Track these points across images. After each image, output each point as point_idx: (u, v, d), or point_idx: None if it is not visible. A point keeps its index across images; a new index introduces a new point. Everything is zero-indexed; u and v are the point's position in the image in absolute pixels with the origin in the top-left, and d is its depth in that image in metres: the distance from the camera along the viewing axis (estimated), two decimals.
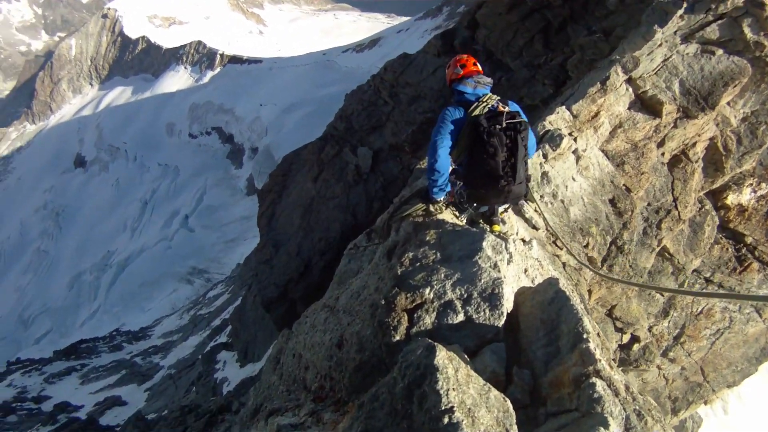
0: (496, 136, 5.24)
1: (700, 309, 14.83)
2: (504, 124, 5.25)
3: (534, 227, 8.65)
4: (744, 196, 13.98)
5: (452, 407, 2.80)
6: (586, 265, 8.17)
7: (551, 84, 17.40)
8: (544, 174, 10.00)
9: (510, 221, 6.56)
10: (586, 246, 10.57)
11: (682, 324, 14.82)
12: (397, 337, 4.19)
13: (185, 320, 42.95)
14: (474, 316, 4.13)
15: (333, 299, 5.78)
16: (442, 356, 3.11)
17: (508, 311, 4.30)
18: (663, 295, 14.15)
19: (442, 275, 4.43)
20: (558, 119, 11.07)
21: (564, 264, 8.66)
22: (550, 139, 10.36)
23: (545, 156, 10.21)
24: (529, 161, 5.82)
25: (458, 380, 3.00)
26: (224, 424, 17.69)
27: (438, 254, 4.73)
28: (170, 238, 53.51)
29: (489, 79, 5.97)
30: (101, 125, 74.93)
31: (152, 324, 42.38)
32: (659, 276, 13.83)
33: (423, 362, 3.09)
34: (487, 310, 4.15)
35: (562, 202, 10.23)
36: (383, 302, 4.41)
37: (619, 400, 3.42)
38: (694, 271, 14.43)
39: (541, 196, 9.62)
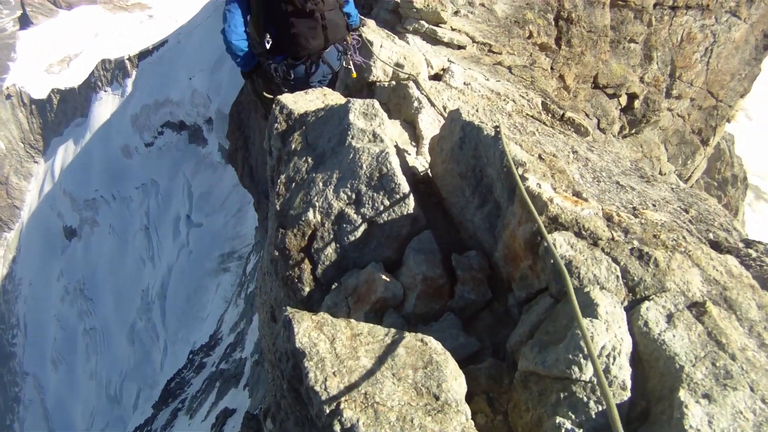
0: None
1: (679, 37, 14.08)
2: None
3: (460, 47, 7.55)
4: None
5: (338, 405, 1.75)
6: None
7: None
8: None
9: (411, 58, 5.37)
10: (530, 36, 9.48)
11: (670, 59, 14.16)
12: (307, 289, 3.13)
13: (241, 305, 42.87)
14: (375, 217, 3.03)
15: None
16: (305, 329, 2.01)
17: (413, 185, 3.20)
18: (637, 42, 13.20)
19: (321, 184, 3.25)
20: None
21: (510, 67, 7.55)
22: None
23: None
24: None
25: (338, 355, 1.91)
26: None
27: (309, 160, 3.49)
28: (186, 243, 52.95)
29: None
30: (67, 189, 73.36)
31: (218, 326, 42.36)
32: (624, 26, 12.95)
33: (287, 349, 2.03)
34: (385, 200, 3.03)
35: (483, 5, 9.09)
36: (276, 254, 3.29)
37: (603, 249, 2.29)
38: (656, 5, 13.58)
39: (455, 12, 8.43)
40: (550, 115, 5.97)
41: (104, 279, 65.45)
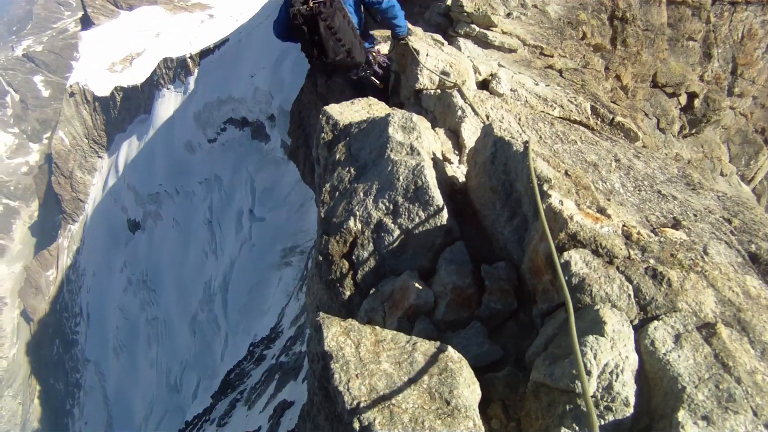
0: (295, 22, 5.53)
1: (740, 34, 13.72)
2: (301, 10, 5.41)
3: (511, 50, 7.57)
4: None
5: (358, 404, 1.91)
6: None
7: None
8: None
9: (457, 65, 5.46)
10: (584, 37, 9.41)
11: (731, 56, 13.82)
12: (348, 293, 3.30)
13: (303, 299, 43.07)
14: (410, 227, 3.17)
15: None
16: (333, 334, 2.18)
17: (446, 197, 3.35)
18: (696, 39, 12.94)
19: (361, 194, 3.43)
20: None
21: (561, 71, 7.53)
22: None
23: None
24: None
25: (361, 359, 2.07)
26: None
27: (351, 170, 3.68)
28: (249, 237, 53.48)
29: None
30: (131, 184, 74.99)
31: (279, 320, 42.67)
32: (682, 24, 12.71)
33: (318, 351, 2.19)
34: (420, 212, 3.17)
35: (535, 6, 9.06)
36: (320, 258, 3.48)
37: (618, 267, 2.37)
38: (715, 1, 13.26)
39: (508, 14, 8.45)
40: (599, 119, 5.98)
41: (167, 271, 66.71)
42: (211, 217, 62.83)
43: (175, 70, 77.08)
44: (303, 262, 46.13)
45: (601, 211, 2.71)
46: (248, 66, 61.74)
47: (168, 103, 76.98)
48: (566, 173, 2.90)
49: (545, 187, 2.69)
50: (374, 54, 6.34)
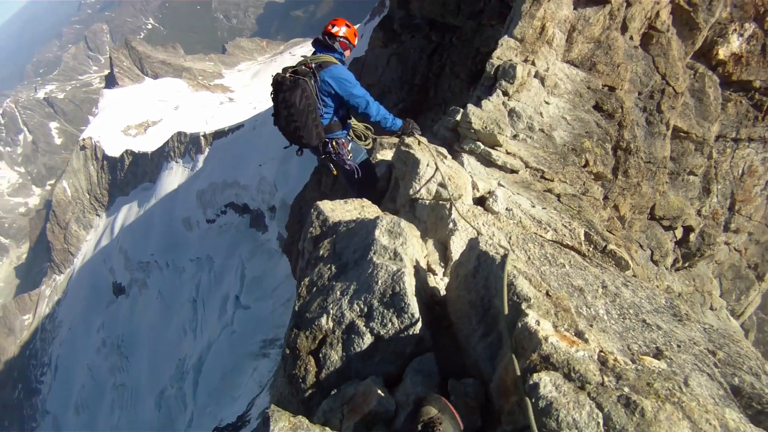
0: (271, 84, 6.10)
1: (740, 170, 13.99)
2: (277, 76, 5.98)
3: (513, 171, 7.66)
4: (733, 44, 13.26)
5: None
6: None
7: (498, 23, 16.42)
8: (512, 111, 9.00)
9: (456, 179, 5.51)
10: (586, 165, 9.54)
11: (730, 192, 14.09)
12: (309, 390, 3.22)
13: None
14: (382, 332, 3.12)
15: None
16: (280, 428, 2.14)
17: (424, 306, 3.31)
18: (696, 174, 13.16)
19: (338, 293, 3.40)
20: (505, 51, 10.17)
21: (559, 196, 7.59)
22: (503, 74, 9.43)
23: (506, 93, 9.26)
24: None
25: None
26: None
27: (333, 267, 3.68)
28: (231, 323, 53.11)
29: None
30: (123, 248, 75.04)
31: (247, 409, 41.82)
32: (684, 158, 12.97)
33: None
34: (394, 318, 3.12)
35: (542, 131, 9.23)
36: (287, 351, 3.42)
37: (589, 394, 2.28)
38: (719, 137, 13.60)
39: (515, 136, 8.59)
40: (592, 246, 5.98)
41: (143, 340, 65.95)
42: (197, 296, 62.46)
43: (187, 145, 78.45)
44: (280, 356, 45.67)
45: (579, 334, 2.64)
46: (258, 154, 62.81)
47: (174, 176, 77.94)
48: (547, 294, 2.86)
49: (523, 305, 2.64)
50: (335, 145, 6.56)
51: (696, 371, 3.50)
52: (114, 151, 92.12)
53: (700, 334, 4.29)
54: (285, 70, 6.08)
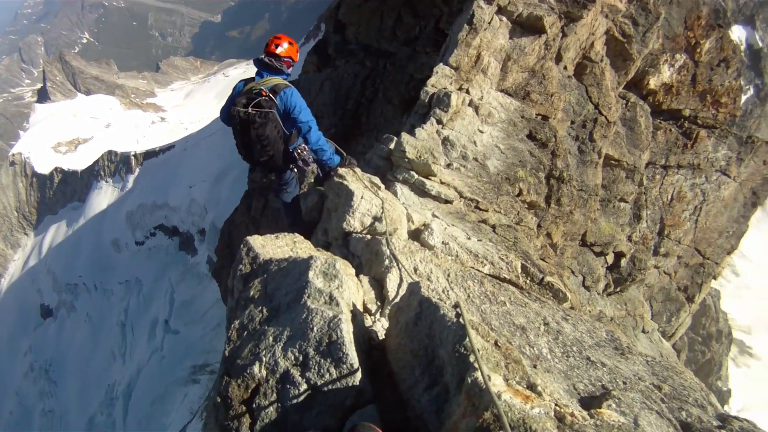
0: (232, 122, 6.25)
1: (669, 196, 14.35)
2: (240, 113, 6.02)
3: (447, 201, 7.59)
4: (664, 75, 13.67)
5: None
6: None
7: (433, 50, 16.54)
8: (446, 140, 8.97)
9: (391, 212, 5.38)
10: (519, 194, 9.56)
11: (659, 218, 14.41)
12: None
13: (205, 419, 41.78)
14: (319, 383, 2.90)
15: None
16: None
17: (363, 353, 3.12)
18: (627, 201, 13.41)
19: (271, 339, 3.17)
20: (439, 79, 10.18)
21: (494, 226, 7.55)
22: (438, 102, 9.44)
23: (439, 121, 9.24)
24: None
25: None
26: None
27: (264, 311, 3.43)
28: (160, 347, 52.03)
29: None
30: (51, 269, 72.87)
31: None
32: (615, 185, 13.20)
33: None
34: (332, 368, 2.91)
35: (476, 159, 9.21)
36: (219, 400, 3.15)
37: None
38: (649, 164, 13.92)
39: (448, 165, 8.54)
40: (529, 278, 5.93)
41: (72, 365, 64.03)
42: (126, 320, 61.07)
43: (117, 164, 77.05)
44: (211, 383, 44.87)
45: (532, 387, 2.49)
46: (189, 176, 62.01)
47: (104, 195, 76.36)
48: (496, 344, 2.70)
49: (471, 358, 2.48)
50: (299, 151, 6.60)
51: (645, 410, 3.43)
52: (44, 168, 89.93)
53: (644, 367, 4.26)
54: (242, 102, 6.11)
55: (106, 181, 78.47)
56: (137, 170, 74.47)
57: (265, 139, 6.07)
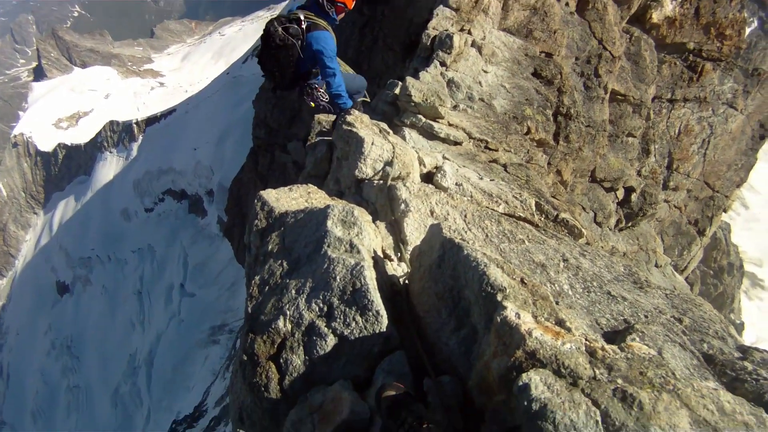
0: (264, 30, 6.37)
1: (677, 130, 14.20)
2: (270, 28, 6.24)
3: (456, 143, 7.50)
4: (667, 8, 13.42)
5: None
6: None
7: None
8: (450, 82, 8.83)
9: (402, 156, 5.30)
10: (528, 132, 9.46)
11: (668, 152, 14.25)
12: (273, 399, 2.95)
13: (229, 379, 42.23)
14: (346, 333, 2.87)
15: None
16: None
17: (387, 300, 3.08)
18: (635, 135, 13.28)
19: (293, 292, 3.13)
20: (440, 21, 10.05)
21: (505, 166, 7.47)
22: (440, 44, 9.28)
23: (443, 64, 9.09)
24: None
25: None
26: None
27: (284, 264, 3.41)
28: (178, 312, 52.46)
29: None
30: (63, 245, 72.89)
31: (203, 398, 41.54)
32: (623, 120, 13.06)
33: None
34: (358, 317, 2.88)
35: (482, 100, 9.08)
36: (245, 358, 3.12)
37: (583, 390, 2.07)
38: (655, 98, 13.74)
39: (455, 106, 8.42)
40: (543, 216, 5.87)
41: (92, 338, 64.59)
42: (141, 288, 61.42)
43: (119, 134, 76.71)
44: (231, 342, 45.25)
45: (560, 323, 2.45)
46: (192, 139, 61.78)
47: (109, 166, 76.21)
48: (522, 281, 2.65)
49: (499, 296, 2.44)
50: (315, 88, 6.67)
51: (668, 342, 3.40)
52: (46, 145, 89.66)
53: (663, 300, 4.21)
54: (280, 20, 6.26)
55: (110, 152, 78.28)
56: (140, 138, 74.24)
57: (279, 60, 6.22)
